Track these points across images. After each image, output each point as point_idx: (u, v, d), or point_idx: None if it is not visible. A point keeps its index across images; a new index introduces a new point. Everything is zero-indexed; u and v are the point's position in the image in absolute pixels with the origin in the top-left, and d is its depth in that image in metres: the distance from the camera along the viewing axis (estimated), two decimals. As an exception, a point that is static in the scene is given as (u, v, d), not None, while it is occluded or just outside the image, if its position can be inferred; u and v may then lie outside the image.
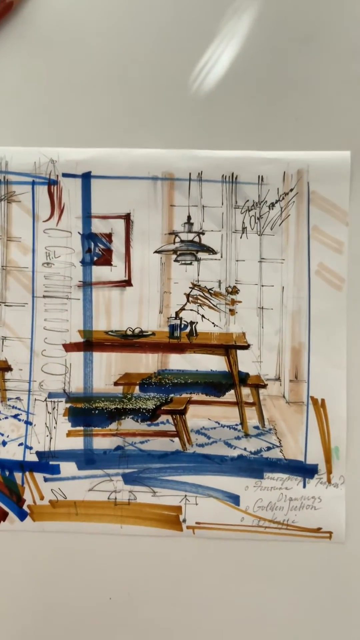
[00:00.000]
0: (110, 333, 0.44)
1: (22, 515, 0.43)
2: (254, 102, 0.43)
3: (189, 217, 0.44)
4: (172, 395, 0.44)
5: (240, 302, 0.43)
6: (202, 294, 0.44)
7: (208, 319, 0.44)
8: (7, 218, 0.44)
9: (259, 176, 0.43)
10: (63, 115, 0.44)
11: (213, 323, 0.44)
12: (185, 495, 0.43)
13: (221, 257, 0.44)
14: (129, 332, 0.44)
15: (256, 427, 0.43)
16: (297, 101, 0.43)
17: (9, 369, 0.44)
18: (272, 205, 0.43)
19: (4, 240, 0.44)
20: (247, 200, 0.43)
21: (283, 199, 0.43)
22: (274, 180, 0.43)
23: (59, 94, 0.44)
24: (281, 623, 0.42)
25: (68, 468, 0.43)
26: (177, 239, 0.44)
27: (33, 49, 0.44)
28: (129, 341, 0.44)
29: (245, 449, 0.43)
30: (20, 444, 0.44)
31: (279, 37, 0.43)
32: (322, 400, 0.43)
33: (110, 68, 0.44)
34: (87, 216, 0.44)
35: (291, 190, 0.43)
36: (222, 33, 0.43)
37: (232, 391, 0.43)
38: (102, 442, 0.44)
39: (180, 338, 0.44)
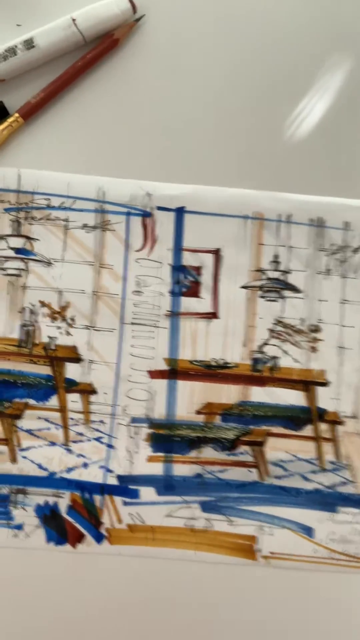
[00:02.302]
0: (194, 363, 0.45)
1: (99, 539, 0.44)
2: (344, 150, 0.46)
3: (276, 256, 0.46)
4: (251, 427, 0.45)
5: (321, 340, 0.45)
6: (285, 330, 0.45)
7: (290, 355, 0.45)
8: (101, 246, 0.45)
9: (344, 222, 0.45)
10: (161, 152, 0.46)
11: (294, 359, 0.45)
12: (261, 526, 0.44)
13: (305, 296, 0.45)
14: (213, 363, 0.45)
15: (332, 462, 0.45)
16: (387, 155, 0.46)
17: (94, 392, 0.45)
18: (356, 250, 0.45)
19: (97, 267, 0.45)
20: (332, 244, 0.45)
21: (366, 245, 0.45)
22: (359, 226, 0.45)
23: (159, 130, 0.46)
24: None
25: (147, 493, 0.44)
26: (264, 276, 0.46)
27: (136, 84, 0.46)
28: (213, 372, 0.45)
29: (320, 483, 0.45)
30: (101, 467, 0.44)
31: (371, 94, 0.46)
32: None
33: (210, 109, 0.46)
34: (178, 249, 0.45)
35: (374, 237, 0.45)
36: (318, 83, 0.46)
37: (310, 426, 0.45)
38: (182, 469, 0.45)
39: (262, 371, 0.45)
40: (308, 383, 0.45)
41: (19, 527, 0.44)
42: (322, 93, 0.46)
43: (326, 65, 0.46)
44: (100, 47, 0.46)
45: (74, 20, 0.44)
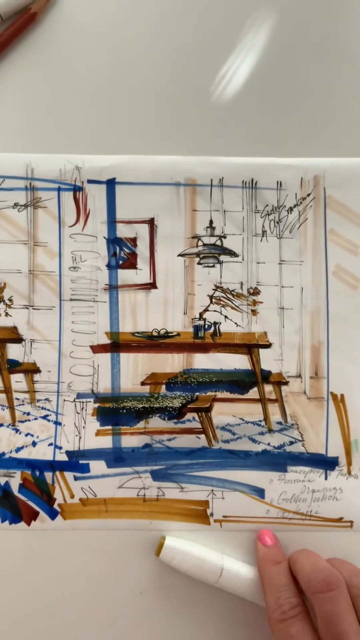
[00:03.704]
0: (136, 334, 0.45)
1: (52, 514, 0.44)
2: (272, 110, 0.45)
3: (211, 222, 0.45)
4: (197, 393, 0.45)
5: (261, 302, 0.45)
6: (224, 296, 0.45)
7: (231, 320, 0.45)
8: (34, 223, 0.45)
9: (277, 182, 0.45)
10: (87, 124, 0.45)
11: (236, 323, 0.45)
12: (212, 490, 0.45)
13: (242, 259, 0.45)
14: (154, 334, 0.45)
15: (279, 423, 0.45)
16: (315, 109, 0.45)
17: (37, 371, 0.45)
18: (291, 209, 0.45)
19: (31, 245, 0.45)
20: (267, 205, 0.45)
21: (301, 203, 0.45)
22: (292, 185, 0.45)
23: (82, 103, 0.45)
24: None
25: (97, 466, 0.45)
26: (200, 243, 0.45)
27: (56, 58, 0.45)
28: (155, 342, 0.45)
29: (269, 444, 0.45)
30: (50, 444, 0.45)
31: (296, 46, 0.45)
32: (342, 395, 0.44)
33: (133, 77, 0.45)
34: (112, 221, 0.45)
35: (308, 195, 0.45)
36: (241, 44, 0.45)
37: (255, 389, 0.45)
38: (131, 441, 0.45)
39: (204, 338, 0.45)
40: (251, 346, 0.45)
41: (-27, 509, 0.44)
42: (247, 51, 0.45)
43: (250, 23, 0.45)
44: (17, 22, 0.45)
45: (-13, -5, 0.44)
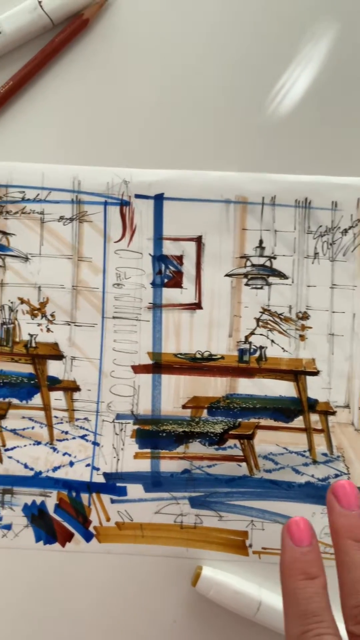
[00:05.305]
0: (179, 356, 0.44)
1: (88, 537, 0.43)
2: (329, 126, 0.43)
3: (260, 241, 0.44)
4: (240, 419, 0.44)
5: (310, 327, 0.43)
6: (272, 319, 0.44)
7: (278, 344, 0.44)
8: (79, 238, 0.44)
9: (332, 202, 0.43)
10: (137, 137, 0.44)
11: (282, 348, 0.44)
12: (252, 521, 0.43)
13: (292, 282, 0.43)
14: (197, 355, 0.44)
15: (324, 454, 0.43)
16: (376, 129, 0.43)
17: (77, 389, 0.44)
18: (345, 231, 0.43)
19: (75, 260, 0.44)
20: (320, 226, 0.43)
21: (356, 225, 0.43)
22: (348, 206, 0.43)
23: (132, 114, 0.44)
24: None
25: (135, 490, 0.43)
26: (249, 263, 0.44)
27: (106, 68, 0.44)
28: (198, 364, 0.44)
29: (312, 476, 0.43)
30: (88, 465, 0.44)
31: (355, 63, 0.43)
32: (392, 428, 0.42)
33: (184, 89, 0.43)
34: (158, 238, 0.44)
35: (365, 217, 0.43)
36: (299, 56, 0.43)
37: (301, 417, 0.43)
38: (169, 465, 0.43)
39: (249, 362, 0.44)
40: (297, 373, 0.43)
41: (8, 527, 0.43)
42: (305, 65, 0.43)
43: (309, 35, 0.43)
44: (69, 29, 0.43)
45: (40, 2, 0.42)
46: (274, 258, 0.43)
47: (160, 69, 0.43)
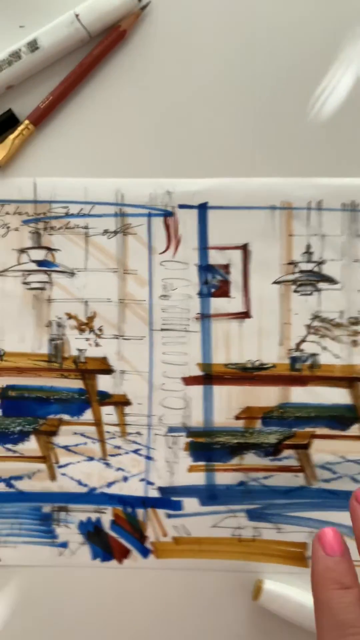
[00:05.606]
0: (229, 366, 0.43)
1: (145, 553, 0.43)
2: (375, 128, 0.42)
3: (308, 247, 0.43)
4: (294, 429, 0.43)
5: (363, 333, 0.42)
6: (323, 325, 0.43)
7: (330, 351, 0.43)
8: (124, 251, 0.43)
9: (380, 204, 0.42)
10: (179, 146, 0.43)
11: (335, 355, 0.43)
12: (311, 532, 0.42)
13: (342, 287, 0.43)
14: (249, 365, 0.43)
15: (383, 462, 0.42)
16: None
17: (128, 403, 0.43)
18: (395, 233, 0.42)
19: (121, 273, 0.43)
20: (369, 229, 0.42)
21: None
22: None
23: (173, 123, 0.43)
24: None
25: (190, 504, 0.43)
26: (297, 269, 0.43)
27: (146, 78, 0.43)
28: (249, 374, 0.43)
29: (372, 484, 0.42)
30: (142, 480, 0.43)
31: None
32: None
33: (226, 96, 0.43)
34: (203, 247, 0.43)
35: None
36: (341, 57, 0.42)
37: (357, 425, 0.42)
38: (225, 478, 0.43)
39: (302, 370, 0.43)
40: (352, 379, 0.42)
41: (64, 545, 0.43)
42: (347, 66, 0.42)
43: (349, 36, 0.42)
44: (106, 41, 0.43)
45: (77, 15, 0.42)
46: (323, 263, 0.43)
47: (198, 77, 0.43)
